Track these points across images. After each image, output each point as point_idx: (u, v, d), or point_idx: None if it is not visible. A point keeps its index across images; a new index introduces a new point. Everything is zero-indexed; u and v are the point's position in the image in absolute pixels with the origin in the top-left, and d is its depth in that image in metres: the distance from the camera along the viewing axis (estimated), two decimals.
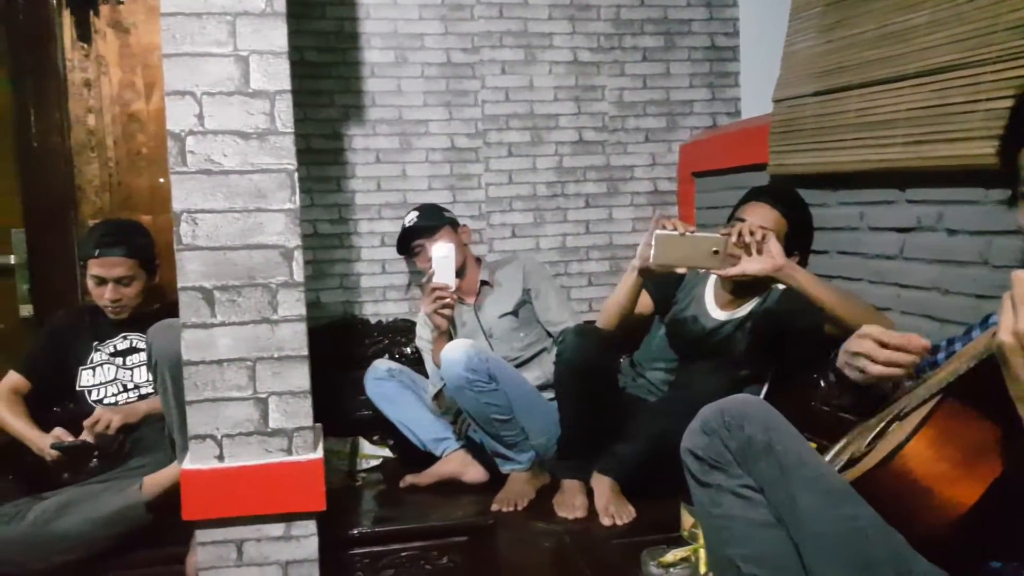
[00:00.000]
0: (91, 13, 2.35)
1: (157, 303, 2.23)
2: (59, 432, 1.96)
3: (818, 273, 1.69)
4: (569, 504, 1.88)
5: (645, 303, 1.99)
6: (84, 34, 2.35)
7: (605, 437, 1.89)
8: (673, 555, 1.48)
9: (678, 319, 2.00)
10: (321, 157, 2.43)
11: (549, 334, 2.24)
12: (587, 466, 1.90)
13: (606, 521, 1.79)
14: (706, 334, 1.92)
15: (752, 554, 1.01)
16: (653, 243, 1.57)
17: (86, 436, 1.92)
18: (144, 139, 2.40)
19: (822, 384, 1.45)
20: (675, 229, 1.58)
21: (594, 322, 1.99)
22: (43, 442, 1.95)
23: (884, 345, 1.03)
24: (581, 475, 1.91)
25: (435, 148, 2.52)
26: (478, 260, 2.37)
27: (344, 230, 2.50)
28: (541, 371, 2.17)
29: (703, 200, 2.55)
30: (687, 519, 1.59)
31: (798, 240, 1.83)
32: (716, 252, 1.55)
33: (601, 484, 1.85)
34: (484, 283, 2.30)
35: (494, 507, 1.95)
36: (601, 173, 2.61)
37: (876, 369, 1.04)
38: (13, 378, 2.08)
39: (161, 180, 2.43)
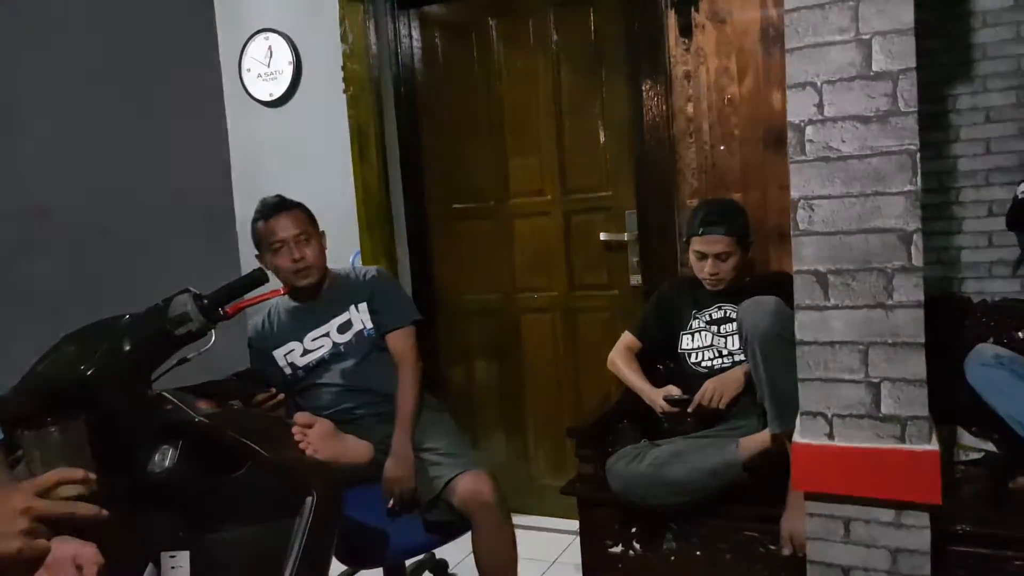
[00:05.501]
0: (692, 9, 2.57)
1: (748, 276, 2.38)
2: (671, 388, 2.26)
3: None
4: None
5: None
6: (685, 30, 2.59)
7: None
8: None
9: None
10: (920, 123, 2.26)
11: None
12: None
13: None
14: None
15: None
16: None
17: (696, 399, 2.16)
18: (736, 121, 2.54)
19: None
20: None
21: None
22: (655, 395, 2.25)
23: None
24: None
25: None
26: None
27: (943, 199, 2.29)
28: None
29: None
30: None
31: None
32: None
33: None
34: None
35: None
36: None
37: None
38: (628, 337, 2.44)
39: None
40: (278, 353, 2.26)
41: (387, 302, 2.29)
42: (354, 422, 2.18)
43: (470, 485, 1.98)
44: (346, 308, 2.27)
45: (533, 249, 3.01)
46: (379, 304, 2.28)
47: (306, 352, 2.25)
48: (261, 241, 2.24)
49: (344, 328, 2.26)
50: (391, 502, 2.03)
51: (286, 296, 2.31)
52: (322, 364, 2.25)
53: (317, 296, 2.28)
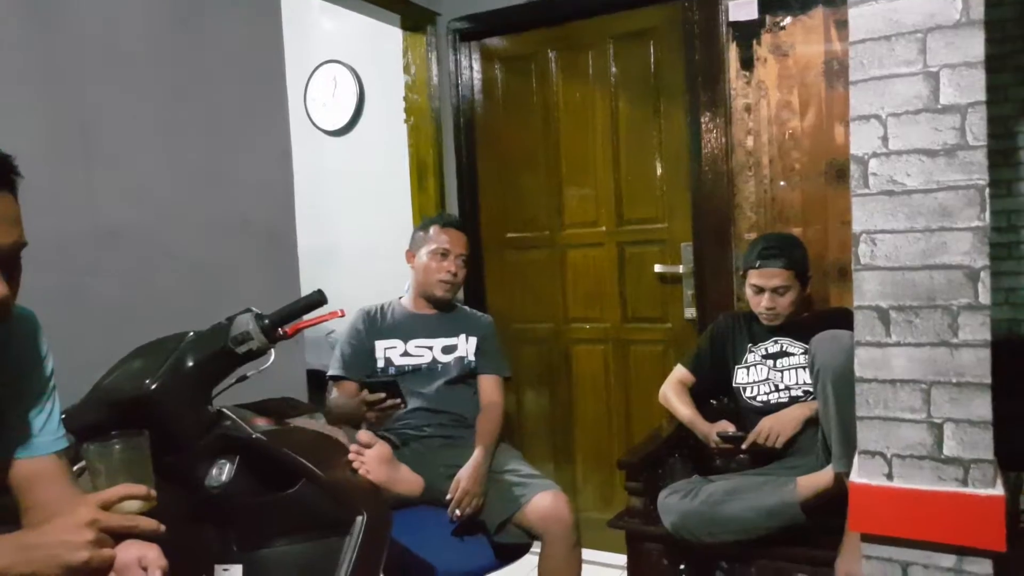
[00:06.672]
0: (754, 42, 2.56)
1: (805, 312, 2.34)
2: (724, 424, 2.22)
3: None
4: None
5: None
6: (747, 63, 2.58)
7: None
8: None
9: None
10: (989, 159, 2.21)
11: None
12: None
13: None
14: None
15: None
16: None
17: (751, 437, 2.12)
18: (797, 155, 2.52)
19: None
20: None
21: None
22: (708, 429, 2.22)
23: None
24: None
25: None
26: None
27: (1014, 239, 2.22)
28: None
29: None
30: None
31: None
32: None
33: None
34: None
35: None
36: None
37: None
38: (681, 371, 2.42)
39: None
40: (379, 344, 2.36)
41: (493, 348, 2.42)
42: (421, 440, 2.24)
43: (550, 501, 2.02)
44: (457, 335, 2.38)
45: (586, 279, 3.02)
46: (486, 347, 2.40)
47: (406, 354, 2.35)
48: (426, 241, 2.38)
49: (448, 350, 2.36)
50: (456, 512, 2.01)
51: (403, 299, 2.46)
52: (416, 372, 2.33)
53: (436, 312, 2.42)
